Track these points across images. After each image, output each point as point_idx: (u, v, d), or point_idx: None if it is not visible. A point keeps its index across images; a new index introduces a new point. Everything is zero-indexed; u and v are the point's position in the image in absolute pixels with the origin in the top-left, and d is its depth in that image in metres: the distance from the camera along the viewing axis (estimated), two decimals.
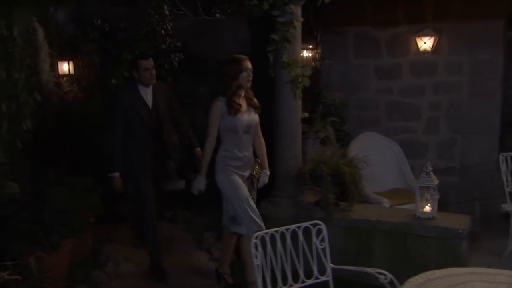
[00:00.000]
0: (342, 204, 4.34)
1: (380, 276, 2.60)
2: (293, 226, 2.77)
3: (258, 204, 4.03)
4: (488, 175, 5.17)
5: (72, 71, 6.37)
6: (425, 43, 5.25)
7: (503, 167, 4.55)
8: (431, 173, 3.96)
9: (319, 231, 2.82)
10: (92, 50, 6.53)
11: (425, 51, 5.28)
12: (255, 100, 3.86)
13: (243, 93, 3.75)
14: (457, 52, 5.24)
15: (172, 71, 6.25)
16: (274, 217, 4.37)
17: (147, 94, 4.19)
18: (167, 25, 6.09)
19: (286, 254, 2.71)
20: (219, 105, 3.67)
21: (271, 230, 2.69)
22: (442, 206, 5.27)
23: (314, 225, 2.82)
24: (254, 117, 3.79)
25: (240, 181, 3.75)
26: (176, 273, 4.35)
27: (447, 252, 3.80)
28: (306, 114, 4.56)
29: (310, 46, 6.15)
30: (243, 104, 3.74)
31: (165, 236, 5.28)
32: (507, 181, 4.55)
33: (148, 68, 4.08)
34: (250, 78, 3.70)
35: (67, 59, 6.23)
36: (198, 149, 4.28)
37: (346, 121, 5.85)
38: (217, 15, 6.54)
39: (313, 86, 5.94)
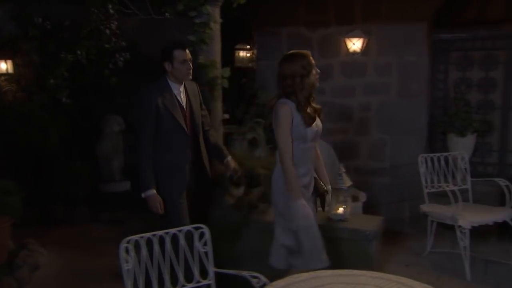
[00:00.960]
0: (262, 206, 4.33)
1: (253, 280, 2.58)
2: (173, 230, 2.73)
3: None
4: (416, 175, 5.20)
5: (10, 70, 6.28)
6: (354, 44, 5.26)
7: (422, 168, 4.58)
8: (344, 174, 3.96)
9: (201, 235, 2.79)
10: (31, 49, 6.46)
11: (354, 52, 5.30)
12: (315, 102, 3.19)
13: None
14: (385, 54, 5.27)
15: (116, 70, 6.19)
16: None
17: (180, 94, 3.48)
18: (111, 24, 6.00)
19: (165, 259, 2.67)
20: (289, 109, 2.93)
21: (148, 234, 2.65)
22: (373, 207, 5.33)
23: (197, 228, 2.79)
24: (319, 123, 3.11)
25: (308, 206, 3.09)
26: (100, 275, 4.29)
27: (356, 253, 3.80)
28: (226, 116, 4.53)
29: (248, 47, 6.12)
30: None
31: (98, 238, 5.23)
32: (426, 182, 4.58)
33: (186, 60, 3.38)
34: (319, 75, 3.08)
35: (5, 57, 6.14)
36: (229, 158, 3.70)
37: None
38: (166, 14, 6.48)
39: (248, 87, 5.96)
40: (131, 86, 6.84)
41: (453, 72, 5.39)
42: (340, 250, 3.87)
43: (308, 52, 3.05)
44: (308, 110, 2.96)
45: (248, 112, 5.68)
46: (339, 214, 3.97)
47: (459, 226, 4.11)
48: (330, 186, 3.40)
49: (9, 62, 6.24)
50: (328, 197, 3.35)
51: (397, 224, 5.23)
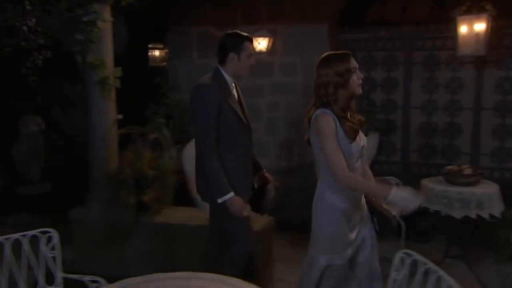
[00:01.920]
0: (155, 208, 4.28)
1: (93, 285, 2.52)
2: (16, 235, 2.64)
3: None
4: None
5: None
6: (260, 43, 5.25)
7: None
8: None
9: (49, 239, 2.71)
10: None
11: (261, 52, 5.29)
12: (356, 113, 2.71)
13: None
14: (290, 53, 5.29)
15: (36, 69, 5.99)
16: (84, 222, 4.28)
17: (233, 89, 3.10)
18: (29, 21, 5.79)
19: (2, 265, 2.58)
20: (334, 122, 2.50)
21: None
22: (282, 206, 5.34)
23: (44, 232, 2.70)
24: (363, 137, 2.68)
25: (349, 238, 2.65)
26: None
27: None
28: (120, 116, 4.44)
29: (161, 46, 6.04)
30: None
31: None
32: None
33: (252, 54, 3.05)
34: (361, 81, 2.60)
35: None
36: (264, 171, 3.31)
37: (191, 122, 5.80)
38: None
39: (161, 87, 5.88)
40: (54, 86, 6.72)
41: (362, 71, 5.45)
42: None
43: (347, 54, 2.58)
44: (348, 122, 2.53)
45: (158, 112, 5.62)
46: None
47: None
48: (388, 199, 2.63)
49: None
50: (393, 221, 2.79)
51: (307, 224, 5.24)
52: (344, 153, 2.50)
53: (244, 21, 5.41)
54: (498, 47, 4.82)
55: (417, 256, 2.14)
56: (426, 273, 2.07)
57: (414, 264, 2.14)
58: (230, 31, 3.15)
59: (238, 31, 3.08)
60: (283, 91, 5.38)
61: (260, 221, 4.03)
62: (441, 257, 4.10)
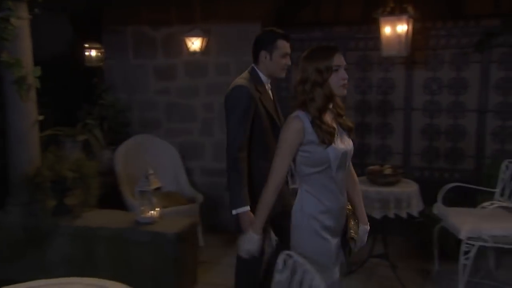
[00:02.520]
0: (77, 211, 4.16)
1: None
2: None
3: None
4: None
5: None
6: (194, 43, 5.19)
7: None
8: (151, 177, 3.86)
9: None
10: None
11: (195, 52, 5.22)
12: (344, 115, 2.43)
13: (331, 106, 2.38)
14: (224, 53, 5.23)
15: None
16: (2, 226, 4.14)
17: (269, 89, 2.94)
18: None
19: None
20: (301, 126, 2.26)
21: None
22: (217, 207, 5.29)
23: None
24: (348, 142, 2.40)
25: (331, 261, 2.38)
26: None
27: (160, 257, 3.72)
28: (41, 117, 4.30)
29: (98, 46, 5.91)
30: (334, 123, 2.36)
31: None
32: None
33: (288, 53, 2.87)
34: (346, 81, 2.31)
35: None
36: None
37: (129, 123, 5.71)
38: (35, 10, 6.12)
39: (94, 87, 5.75)
40: None
41: (295, 72, 5.44)
42: (146, 255, 3.78)
43: (333, 50, 2.31)
44: (324, 125, 2.26)
45: (91, 113, 5.49)
46: (147, 217, 3.88)
47: None
48: (367, 226, 2.58)
49: None
50: (352, 243, 2.46)
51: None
52: (320, 160, 2.27)
53: (178, 20, 5.33)
54: (424, 48, 4.87)
55: (296, 257, 2.11)
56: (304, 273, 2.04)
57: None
58: (266, 28, 3.02)
59: (274, 29, 2.91)
60: (217, 92, 5.31)
61: (183, 222, 3.98)
62: (365, 257, 4.12)
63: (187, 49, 5.25)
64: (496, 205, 3.87)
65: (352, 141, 2.41)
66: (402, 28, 4.13)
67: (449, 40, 4.80)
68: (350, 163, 2.48)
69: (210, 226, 5.30)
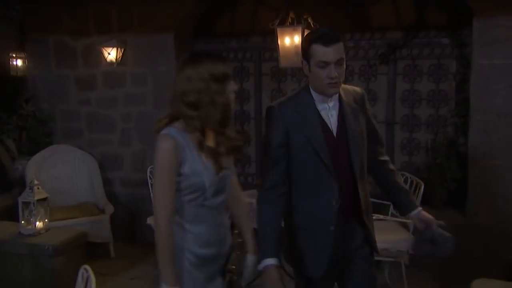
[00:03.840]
0: None
1: None
2: None
3: None
4: None
5: None
6: (110, 54, 5.16)
7: (151, 181, 4.55)
8: (35, 188, 3.81)
9: None
10: None
11: (112, 62, 5.20)
12: (233, 133, 2.11)
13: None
14: (141, 64, 5.21)
15: None
16: None
17: (328, 110, 2.21)
18: None
19: None
20: (174, 145, 1.94)
21: None
22: (134, 219, 5.24)
23: None
24: (229, 162, 2.12)
25: None
26: None
27: (38, 270, 3.66)
28: None
29: (23, 55, 5.88)
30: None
31: None
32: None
33: (328, 62, 2.07)
34: (236, 94, 2.08)
35: None
36: (421, 209, 2.37)
37: (52, 133, 5.67)
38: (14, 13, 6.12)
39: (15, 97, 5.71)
40: None
41: None
42: (25, 268, 3.68)
43: (222, 55, 2.13)
44: (209, 144, 2.00)
45: (9, 122, 5.47)
46: (28, 229, 3.82)
47: None
48: (252, 257, 2.20)
49: None
50: (244, 276, 2.20)
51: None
52: (194, 187, 1.98)
53: (97, 31, 5.31)
54: None
55: (90, 272, 2.08)
56: None
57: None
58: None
59: (314, 31, 2.36)
60: (135, 102, 5.29)
61: (68, 233, 3.91)
62: None
63: (105, 59, 5.23)
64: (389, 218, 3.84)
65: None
66: (299, 38, 4.11)
67: (358, 52, 4.78)
68: (237, 184, 2.25)
69: (127, 237, 5.26)
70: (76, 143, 5.50)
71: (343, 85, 2.21)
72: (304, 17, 4.27)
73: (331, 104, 2.18)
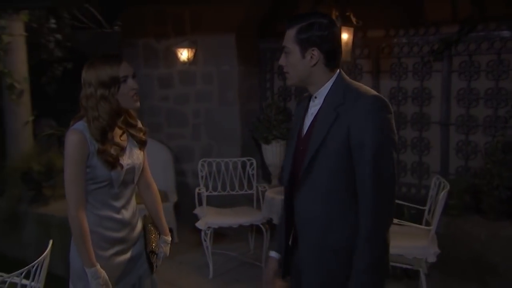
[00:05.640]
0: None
1: None
2: None
3: None
4: None
5: None
6: (182, 54, 5.59)
7: (201, 173, 4.85)
8: None
9: None
10: None
11: (184, 62, 5.63)
12: (139, 125, 2.36)
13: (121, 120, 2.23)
14: (208, 63, 5.54)
15: (53, 79, 6.93)
16: None
17: (311, 108, 1.98)
18: (50, 38, 6.64)
19: None
20: (81, 139, 2.10)
21: None
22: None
23: None
24: (138, 156, 2.30)
25: (113, 270, 2.23)
26: None
27: None
28: (31, 118, 5.07)
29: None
30: (122, 138, 2.23)
31: None
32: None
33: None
34: (137, 91, 2.20)
35: None
36: None
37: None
38: (116, 28, 7.22)
39: None
40: (71, 93, 7.64)
41: (277, 81, 5.58)
42: None
43: (119, 57, 2.22)
44: (107, 150, 2.12)
45: None
46: None
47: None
48: (168, 237, 2.47)
49: None
50: (153, 256, 2.37)
51: None
52: (102, 178, 2.14)
53: (174, 33, 5.78)
54: (389, 57, 4.65)
55: None
56: None
57: None
58: None
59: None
60: (203, 99, 5.65)
61: None
62: None
63: (179, 59, 5.68)
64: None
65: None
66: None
67: (412, 48, 4.52)
68: (147, 172, 2.43)
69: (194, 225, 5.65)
70: (158, 137, 6.05)
71: (352, 85, 1.90)
72: (347, 14, 4.20)
73: (315, 103, 1.96)
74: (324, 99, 1.91)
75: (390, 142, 1.80)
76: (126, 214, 2.26)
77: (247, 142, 5.50)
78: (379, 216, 1.78)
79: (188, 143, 5.89)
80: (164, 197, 5.46)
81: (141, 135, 2.32)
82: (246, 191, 4.89)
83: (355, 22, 4.17)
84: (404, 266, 3.47)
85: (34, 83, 6.61)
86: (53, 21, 6.66)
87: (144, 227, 2.38)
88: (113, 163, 2.13)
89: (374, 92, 1.87)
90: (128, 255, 2.29)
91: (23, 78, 4.97)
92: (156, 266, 2.39)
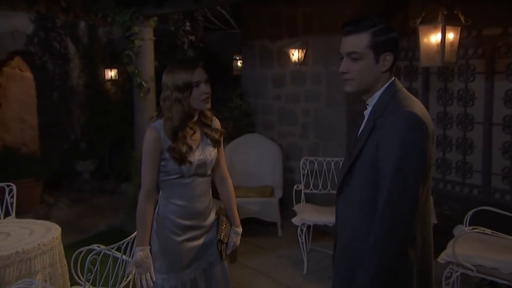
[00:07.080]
0: None
1: None
2: None
3: None
4: None
5: (115, 77, 7.92)
6: (294, 55, 5.78)
7: (303, 171, 4.99)
8: None
9: None
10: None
11: (295, 62, 5.82)
12: (216, 124, 2.59)
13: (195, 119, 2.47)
14: (318, 64, 5.66)
15: None
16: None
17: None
18: (188, 38, 7.42)
19: None
20: (155, 136, 2.38)
21: None
22: None
23: None
24: (210, 153, 2.51)
25: (185, 254, 2.48)
26: None
27: None
28: (155, 114, 5.61)
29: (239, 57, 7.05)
30: (193, 137, 2.47)
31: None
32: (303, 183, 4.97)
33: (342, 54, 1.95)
34: (208, 95, 2.40)
35: (111, 67, 7.86)
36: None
37: (254, 124, 6.65)
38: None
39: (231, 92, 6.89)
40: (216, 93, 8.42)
41: None
42: None
43: (195, 63, 2.41)
44: (177, 147, 2.36)
45: (222, 113, 6.66)
46: None
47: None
48: (239, 229, 2.71)
49: (114, 71, 7.90)
50: (223, 246, 2.60)
51: None
52: (174, 171, 2.41)
53: (287, 34, 6.00)
54: (506, 56, 4.32)
55: None
56: None
57: None
58: None
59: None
60: (312, 99, 5.78)
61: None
62: None
63: (290, 60, 5.88)
64: None
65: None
66: (436, 37, 3.93)
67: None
68: (223, 167, 2.67)
69: None
70: (270, 134, 6.33)
71: (398, 95, 1.84)
72: (455, 12, 4.02)
73: (367, 110, 1.94)
74: (372, 107, 1.90)
75: (412, 162, 1.71)
76: (198, 204, 2.49)
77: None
78: (386, 235, 1.72)
79: (297, 141, 6.07)
80: (271, 192, 5.72)
81: (215, 134, 2.53)
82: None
83: (463, 21, 3.97)
84: (500, 281, 3.27)
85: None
86: (188, 24, 7.31)
87: (218, 218, 2.62)
88: (180, 160, 2.38)
89: (411, 108, 1.78)
90: (200, 241, 2.52)
91: (150, 77, 5.56)
92: (226, 254, 2.61)
